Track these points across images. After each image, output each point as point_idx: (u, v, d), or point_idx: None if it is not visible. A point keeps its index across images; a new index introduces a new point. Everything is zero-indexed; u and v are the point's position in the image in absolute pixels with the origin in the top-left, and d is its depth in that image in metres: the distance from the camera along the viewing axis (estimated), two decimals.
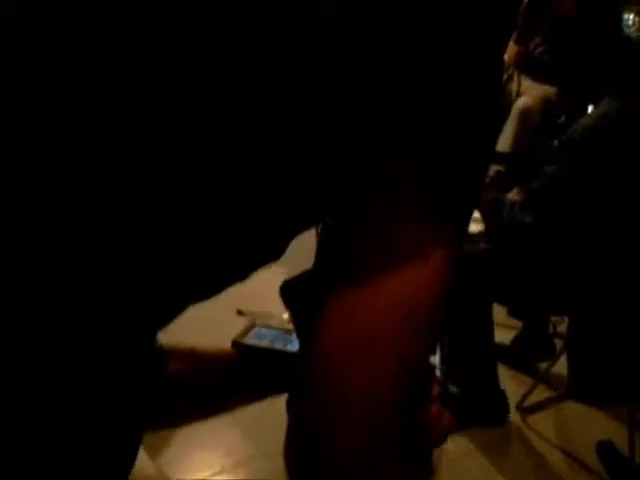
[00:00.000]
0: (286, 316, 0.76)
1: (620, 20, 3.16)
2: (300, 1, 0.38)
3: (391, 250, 0.41)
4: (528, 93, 3.40)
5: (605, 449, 2.19)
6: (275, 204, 0.43)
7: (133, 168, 0.39)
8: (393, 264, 0.41)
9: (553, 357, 2.44)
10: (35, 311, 0.41)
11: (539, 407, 2.42)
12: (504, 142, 3.24)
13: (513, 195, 2.41)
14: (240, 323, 0.79)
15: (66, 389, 0.44)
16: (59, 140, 0.39)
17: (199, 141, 0.39)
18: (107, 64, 0.38)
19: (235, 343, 0.73)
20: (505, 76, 3.45)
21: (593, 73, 2.29)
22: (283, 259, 0.49)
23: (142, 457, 0.77)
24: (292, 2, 0.38)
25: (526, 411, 2.39)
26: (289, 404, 0.47)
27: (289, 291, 0.52)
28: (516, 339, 2.65)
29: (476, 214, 2.20)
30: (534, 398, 2.40)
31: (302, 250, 0.67)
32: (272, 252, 0.47)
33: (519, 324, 2.66)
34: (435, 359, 0.63)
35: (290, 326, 0.74)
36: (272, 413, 0.64)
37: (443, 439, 0.53)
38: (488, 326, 2.27)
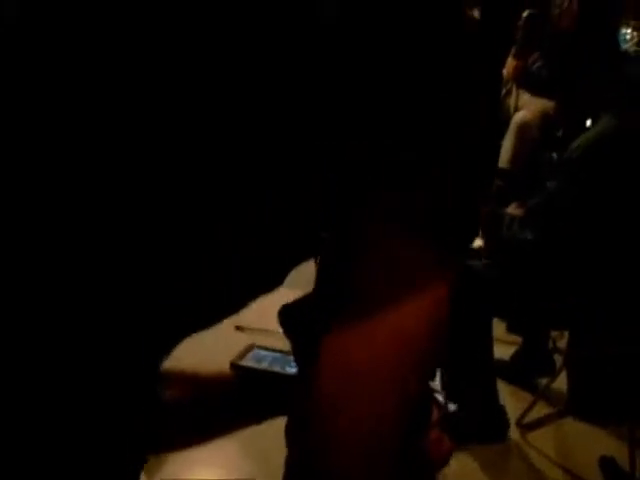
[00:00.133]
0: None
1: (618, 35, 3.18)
2: (300, 1, 0.38)
3: (391, 281, 0.41)
4: (527, 107, 3.42)
5: (607, 465, 2.18)
6: (275, 204, 0.42)
7: (133, 168, 0.39)
8: (393, 295, 0.41)
9: (553, 373, 2.44)
10: (30, 324, 0.40)
11: (539, 423, 2.41)
12: (503, 156, 3.26)
13: (512, 209, 2.41)
14: (239, 338, 0.78)
15: (63, 410, 0.43)
16: (59, 140, 0.38)
17: (199, 141, 0.39)
18: (107, 64, 0.38)
19: (234, 365, 0.72)
20: (504, 90, 3.46)
21: (591, 88, 2.31)
22: None
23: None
24: (292, 2, 0.38)
25: (526, 427, 2.38)
26: (287, 432, 0.47)
27: (288, 318, 0.51)
28: (516, 355, 2.64)
29: None
30: (534, 414, 2.39)
31: (301, 268, 0.67)
32: (271, 280, 0.47)
33: (519, 340, 2.66)
34: (435, 383, 0.62)
35: (289, 346, 0.74)
36: (273, 432, 0.63)
37: (444, 464, 0.53)
38: (487, 342, 2.26)
